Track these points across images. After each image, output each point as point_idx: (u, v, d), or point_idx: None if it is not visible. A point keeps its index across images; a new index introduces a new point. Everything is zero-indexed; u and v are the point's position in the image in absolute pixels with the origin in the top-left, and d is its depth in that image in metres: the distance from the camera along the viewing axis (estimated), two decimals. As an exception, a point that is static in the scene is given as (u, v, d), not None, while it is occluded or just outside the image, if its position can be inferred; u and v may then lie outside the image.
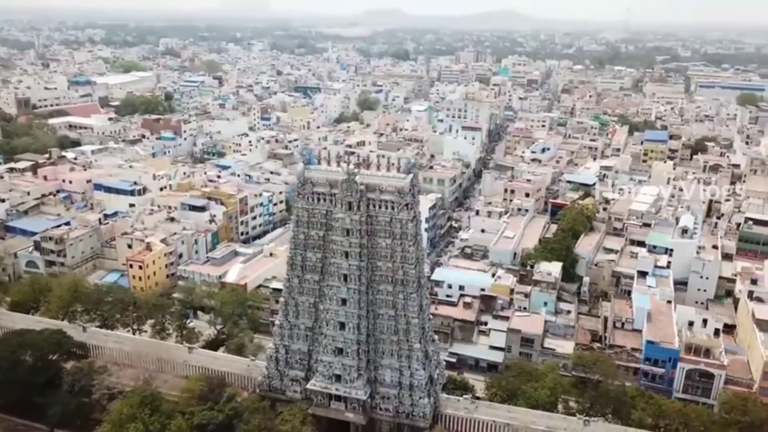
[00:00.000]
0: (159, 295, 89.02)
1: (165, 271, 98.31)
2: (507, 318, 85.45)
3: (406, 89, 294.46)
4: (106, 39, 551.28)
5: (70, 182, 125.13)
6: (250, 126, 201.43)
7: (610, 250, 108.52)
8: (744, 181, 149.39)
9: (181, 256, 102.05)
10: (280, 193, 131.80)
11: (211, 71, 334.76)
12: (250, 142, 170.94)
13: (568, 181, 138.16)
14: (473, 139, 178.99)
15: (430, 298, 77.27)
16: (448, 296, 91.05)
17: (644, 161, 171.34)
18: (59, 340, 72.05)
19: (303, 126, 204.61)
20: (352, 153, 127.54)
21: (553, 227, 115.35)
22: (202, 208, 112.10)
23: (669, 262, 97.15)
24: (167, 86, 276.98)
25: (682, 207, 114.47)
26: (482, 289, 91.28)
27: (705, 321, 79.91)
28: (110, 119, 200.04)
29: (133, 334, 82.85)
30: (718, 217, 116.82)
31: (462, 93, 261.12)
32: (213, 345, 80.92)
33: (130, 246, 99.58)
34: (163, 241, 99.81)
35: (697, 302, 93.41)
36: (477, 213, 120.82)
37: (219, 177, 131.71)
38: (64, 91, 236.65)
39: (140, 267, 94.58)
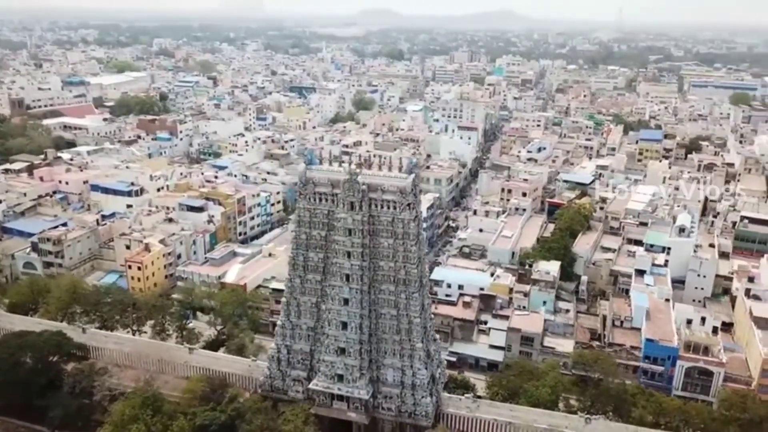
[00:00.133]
0: (158, 295, 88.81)
1: (164, 272, 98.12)
2: (506, 317, 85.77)
3: (401, 89, 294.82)
4: (98, 39, 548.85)
5: (67, 183, 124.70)
6: (246, 126, 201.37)
7: (607, 249, 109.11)
8: (738, 180, 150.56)
9: (179, 256, 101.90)
10: (278, 193, 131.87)
11: (205, 71, 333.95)
12: (246, 142, 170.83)
13: (565, 181, 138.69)
14: (469, 138, 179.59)
15: (430, 298, 77.34)
16: (447, 295, 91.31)
17: (639, 160, 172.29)
18: (59, 342, 71.82)
19: (299, 126, 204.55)
20: (349, 153, 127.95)
21: (551, 226, 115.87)
22: (200, 209, 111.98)
23: (666, 261, 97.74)
24: (162, 86, 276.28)
25: (678, 206, 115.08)
26: (481, 289, 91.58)
27: (703, 319, 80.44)
28: (105, 120, 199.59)
29: (133, 335, 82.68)
30: (715, 216, 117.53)
31: (457, 93, 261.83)
32: (213, 345, 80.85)
33: (128, 247, 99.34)
34: (161, 241, 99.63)
35: (694, 300, 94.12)
36: (475, 213, 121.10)
37: (216, 177, 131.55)
38: (57, 92, 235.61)
39: (139, 268, 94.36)
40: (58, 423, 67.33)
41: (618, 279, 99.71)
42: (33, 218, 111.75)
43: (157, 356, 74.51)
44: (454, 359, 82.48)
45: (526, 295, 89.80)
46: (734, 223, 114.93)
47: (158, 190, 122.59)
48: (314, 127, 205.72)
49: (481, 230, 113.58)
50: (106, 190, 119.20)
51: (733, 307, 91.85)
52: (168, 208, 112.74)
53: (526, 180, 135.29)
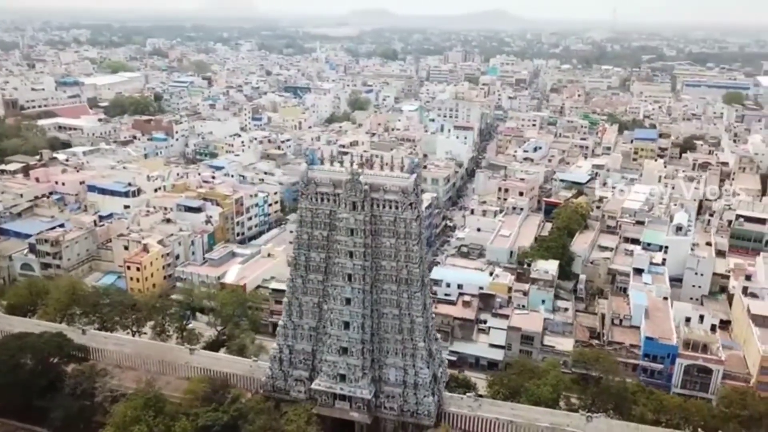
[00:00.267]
0: (158, 296, 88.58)
1: (162, 273, 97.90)
2: (506, 316, 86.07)
3: (396, 89, 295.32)
4: (91, 39, 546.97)
5: (63, 184, 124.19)
6: (242, 126, 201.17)
7: (604, 248, 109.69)
8: (733, 179, 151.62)
9: (178, 257, 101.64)
10: (275, 193, 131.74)
11: (199, 71, 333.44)
12: (242, 142, 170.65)
13: (561, 180, 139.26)
14: (465, 138, 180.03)
15: (431, 297, 77.53)
16: (446, 295, 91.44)
17: (634, 159, 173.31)
18: (59, 343, 71.51)
19: (294, 126, 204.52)
20: (346, 153, 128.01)
21: (548, 226, 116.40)
22: (198, 209, 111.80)
23: (664, 260, 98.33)
24: (156, 87, 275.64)
25: (675, 205, 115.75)
26: (480, 288, 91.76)
27: (701, 317, 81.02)
28: (100, 120, 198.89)
29: (133, 336, 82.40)
30: (711, 215, 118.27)
31: (452, 93, 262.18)
32: (213, 346, 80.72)
33: (126, 248, 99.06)
34: (160, 242, 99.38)
35: (691, 298, 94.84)
36: (472, 212, 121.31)
37: (214, 178, 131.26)
38: (51, 92, 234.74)
39: (138, 269, 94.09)
40: (59, 425, 66.95)
41: (616, 278, 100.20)
42: (30, 219, 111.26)
43: (158, 357, 74.30)
44: (454, 358, 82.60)
45: (525, 294, 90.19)
46: (730, 222, 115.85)
47: (155, 190, 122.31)
48: (310, 127, 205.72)
49: (479, 229, 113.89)
50: (103, 191, 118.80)
51: (730, 304, 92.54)
52: (166, 208, 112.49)
53: (522, 179, 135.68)
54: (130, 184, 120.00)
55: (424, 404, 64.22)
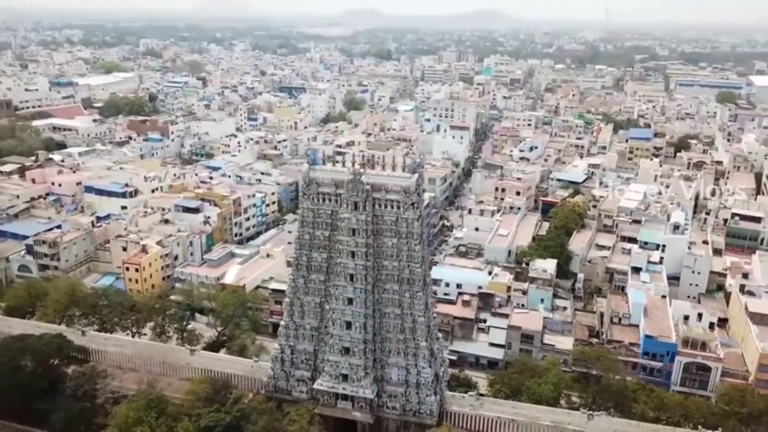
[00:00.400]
0: (157, 297, 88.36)
1: (161, 274, 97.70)
2: (505, 315, 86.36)
3: (391, 89, 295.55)
4: (84, 39, 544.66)
5: (59, 185, 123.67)
6: (237, 127, 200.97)
7: (602, 247, 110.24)
8: (728, 178, 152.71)
9: (176, 258, 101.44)
10: (273, 193, 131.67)
11: (194, 72, 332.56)
12: (239, 143, 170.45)
13: (558, 180, 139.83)
14: (461, 138, 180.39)
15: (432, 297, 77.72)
16: (445, 294, 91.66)
17: (630, 159, 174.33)
18: (60, 345, 71.24)
19: (290, 126, 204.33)
20: (343, 153, 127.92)
21: (545, 225, 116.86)
22: (196, 210, 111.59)
23: (661, 258, 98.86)
24: (150, 87, 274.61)
25: (672, 204, 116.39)
26: (480, 287, 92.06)
27: (700, 315, 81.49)
28: (95, 121, 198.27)
29: (132, 337, 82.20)
30: (707, 213, 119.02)
31: (447, 93, 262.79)
32: (214, 347, 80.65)
33: (125, 249, 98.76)
34: (158, 243, 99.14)
35: (689, 297, 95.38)
36: (470, 212, 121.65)
37: (211, 178, 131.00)
38: (45, 93, 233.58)
39: (137, 270, 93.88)
40: (61, 426, 66.70)
41: (614, 276, 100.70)
42: (26, 221, 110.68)
43: (159, 358, 74.08)
44: (454, 358, 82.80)
45: (524, 293, 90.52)
46: (725, 220, 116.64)
47: (153, 191, 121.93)
48: (306, 128, 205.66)
49: (476, 229, 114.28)
50: (100, 192, 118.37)
51: (727, 302, 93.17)
52: (163, 209, 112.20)
53: (519, 179, 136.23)
54: (127, 185, 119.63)
55: (427, 403, 64.41)
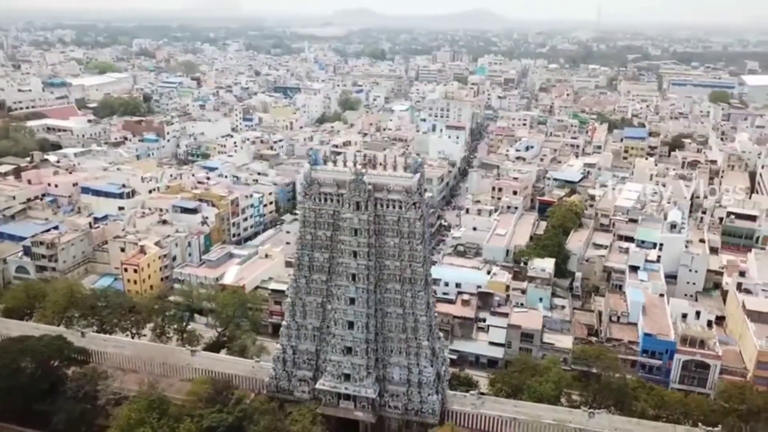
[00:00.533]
0: (156, 298, 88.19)
1: (160, 274, 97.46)
2: (505, 314, 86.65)
3: (385, 89, 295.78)
4: (76, 40, 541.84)
5: (56, 186, 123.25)
6: (233, 127, 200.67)
7: (599, 246, 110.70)
8: (722, 177, 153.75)
9: (174, 258, 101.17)
10: (270, 194, 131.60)
11: (188, 72, 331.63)
12: (235, 143, 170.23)
13: (555, 179, 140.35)
14: (457, 138, 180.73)
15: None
16: (444, 294, 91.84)
17: (625, 158, 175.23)
18: (60, 346, 71.00)
19: (286, 126, 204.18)
20: (339, 153, 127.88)
21: (542, 224, 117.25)
22: (193, 210, 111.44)
23: (659, 257, 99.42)
24: (145, 87, 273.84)
25: (669, 203, 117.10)
26: (479, 286, 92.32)
27: (698, 313, 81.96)
28: (89, 121, 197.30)
29: (132, 338, 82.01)
30: (703, 212, 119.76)
31: (441, 92, 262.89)
32: (214, 347, 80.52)
33: (123, 249, 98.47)
34: (156, 244, 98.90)
35: (686, 295, 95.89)
36: (467, 211, 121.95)
37: (208, 179, 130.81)
38: (39, 93, 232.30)
39: (135, 270, 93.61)
40: (62, 428, 66.55)
41: (611, 275, 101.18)
42: (23, 222, 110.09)
43: (160, 359, 73.93)
44: (454, 357, 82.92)
45: (523, 292, 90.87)
46: (721, 219, 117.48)
47: (150, 192, 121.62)
48: (301, 128, 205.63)
49: (474, 228, 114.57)
50: (97, 193, 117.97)
51: (724, 301, 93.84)
52: (161, 210, 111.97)
53: (516, 178, 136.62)
54: (124, 186, 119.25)
55: (429, 403, 64.60)
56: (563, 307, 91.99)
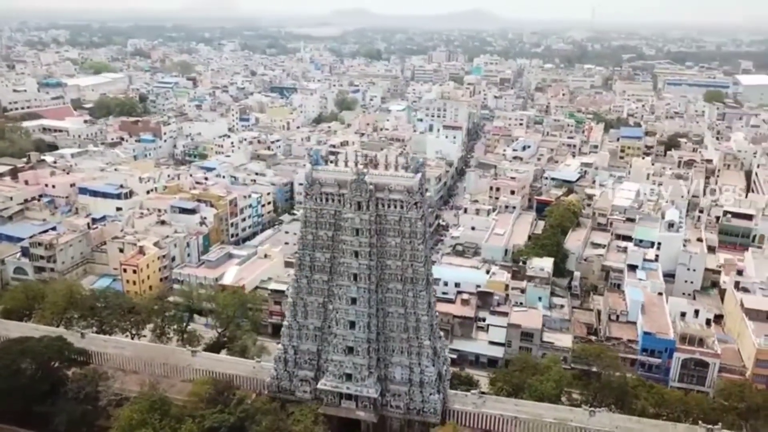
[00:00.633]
0: (155, 298, 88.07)
1: (159, 275, 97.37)
2: (504, 314, 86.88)
3: (382, 89, 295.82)
4: (71, 40, 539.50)
5: (53, 186, 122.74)
6: (230, 127, 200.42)
7: (597, 245, 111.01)
8: (718, 176, 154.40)
9: (173, 259, 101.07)
10: (268, 194, 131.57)
11: (183, 72, 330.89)
12: (232, 143, 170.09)
13: (552, 178, 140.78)
14: (454, 138, 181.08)
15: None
16: (444, 293, 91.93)
17: (621, 157, 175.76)
18: (60, 347, 70.86)
19: (283, 126, 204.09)
20: (336, 153, 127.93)
21: (540, 223, 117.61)
22: (192, 211, 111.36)
23: (657, 256, 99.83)
24: (140, 88, 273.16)
25: (666, 202, 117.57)
26: (478, 286, 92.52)
27: (697, 312, 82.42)
28: (86, 122, 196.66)
29: (132, 338, 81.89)
30: (700, 211, 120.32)
31: (438, 92, 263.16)
32: (214, 348, 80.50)
33: (121, 250, 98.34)
34: (155, 244, 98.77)
35: (684, 294, 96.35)
36: (465, 211, 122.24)
37: (206, 179, 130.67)
38: (34, 94, 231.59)
39: (134, 271, 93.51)
40: (63, 429, 66.44)
41: (609, 274, 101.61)
42: (21, 223, 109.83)
43: (160, 360, 73.94)
44: (454, 356, 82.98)
45: (522, 291, 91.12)
46: (717, 218, 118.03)
47: (148, 192, 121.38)
48: (298, 128, 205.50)
49: (473, 228, 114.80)
50: (94, 193, 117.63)
51: (722, 299, 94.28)
52: (159, 210, 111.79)
53: (513, 178, 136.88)
54: (122, 186, 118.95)
55: (430, 402, 64.79)
56: (562, 306, 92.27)
